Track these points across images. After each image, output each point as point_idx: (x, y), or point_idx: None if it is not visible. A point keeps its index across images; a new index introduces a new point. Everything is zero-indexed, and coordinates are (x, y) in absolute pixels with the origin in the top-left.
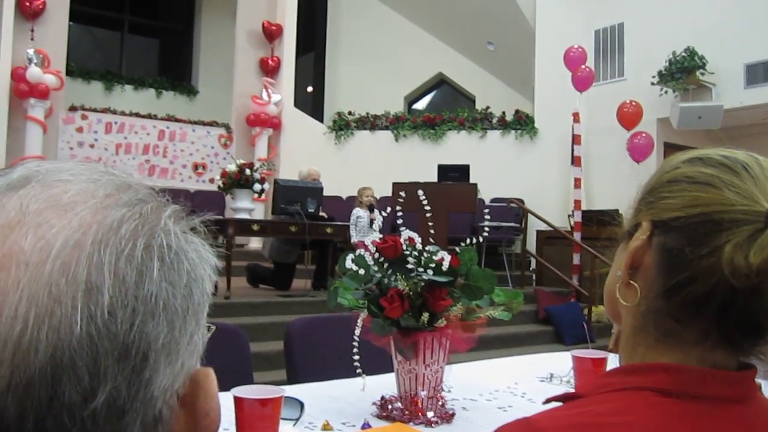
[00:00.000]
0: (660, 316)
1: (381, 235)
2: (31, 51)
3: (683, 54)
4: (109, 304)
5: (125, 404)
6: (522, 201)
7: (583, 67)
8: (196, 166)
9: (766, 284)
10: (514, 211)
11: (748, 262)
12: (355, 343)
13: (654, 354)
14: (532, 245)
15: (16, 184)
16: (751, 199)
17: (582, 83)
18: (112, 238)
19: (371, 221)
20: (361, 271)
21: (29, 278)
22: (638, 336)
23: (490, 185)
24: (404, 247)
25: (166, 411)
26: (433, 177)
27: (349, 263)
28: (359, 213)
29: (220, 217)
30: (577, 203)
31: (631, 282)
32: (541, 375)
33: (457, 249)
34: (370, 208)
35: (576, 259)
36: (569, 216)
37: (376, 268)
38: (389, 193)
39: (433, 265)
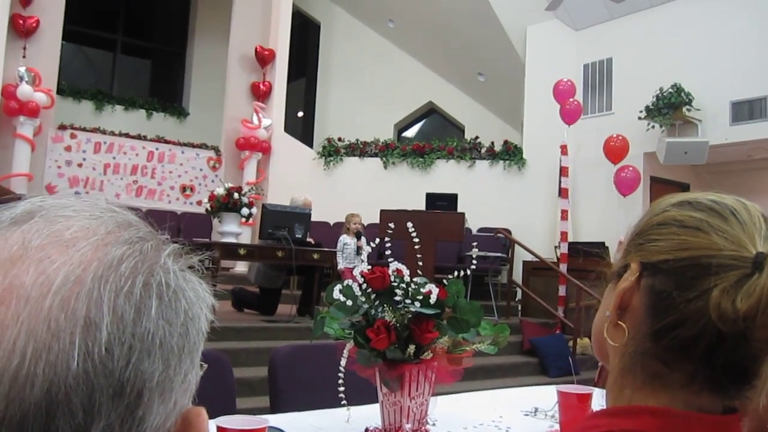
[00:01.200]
0: (647, 358)
1: (369, 266)
2: (22, 69)
3: (670, 90)
4: (106, 341)
5: None
6: (509, 231)
7: (571, 100)
8: (184, 188)
9: (753, 330)
10: (501, 241)
11: (735, 308)
12: (340, 374)
13: (640, 396)
14: (518, 276)
15: (20, 219)
16: (738, 244)
17: (570, 116)
18: (112, 275)
19: (358, 248)
20: (349, 302)
21: (29, 313)
22: (626, 378)
23: (477, 215)
24: (392, 279)
25: None
26: (421, 205)
27: (336, 293)
28: (346, 240)
29: (207, 240)
30: (564, 235)
31: (619, 323)
32: (526, 409)
33: (445, 281)
34: (357, 235)
35: (562, 291)
36: (556, 247)
37: (363, 299)
38: (377, 220)
39: (420, 297)
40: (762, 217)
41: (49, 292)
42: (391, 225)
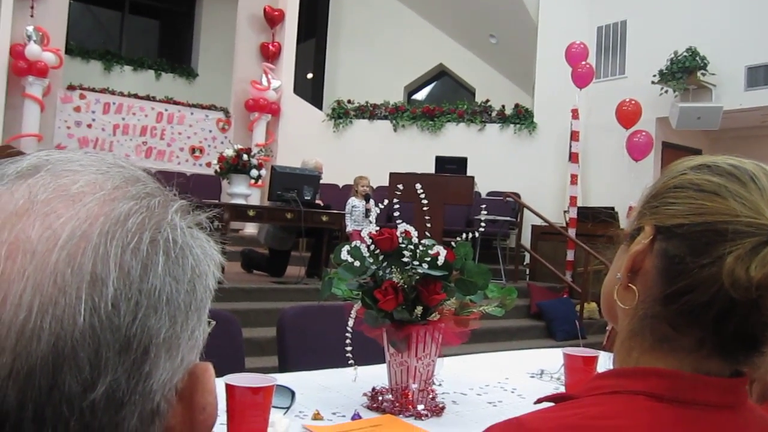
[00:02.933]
0: (657, 321)
1: (377, 227)
2: (30, 28)
3: (685, 54)
4: (113, 297)
5: (124, 396)
6: (518, 195)
7: (583, 63)
8: (193, 150)
9: (766, 298)
10: (510, 205)
11: (749, 276)
12: (348, 335)
13: (648, 359)
14: (526, 240)
15: (26, 173)
16: (756, 211)
17: (582, 79)
18: (118, 230)
19: (366, 211)
20: (357, 263)
21: (35, 267)
22: (634, 340)
23: (487, 178)
24: (400, 240)
25: (164, 405)
26: (430, 168)
27: (344, 254)
28: (354, 202)
29: (216, 201)
30: (573, 199)
31: (630, 285)
32: (532, 371)
33: (453, 243)
34: (366, 198)
35: (570, 255)
36: (565, 212)
37: (371, 260)
38: (386, 183)
39: (428, 258)
40: None
41: (55, 246)
42: (400, 186)
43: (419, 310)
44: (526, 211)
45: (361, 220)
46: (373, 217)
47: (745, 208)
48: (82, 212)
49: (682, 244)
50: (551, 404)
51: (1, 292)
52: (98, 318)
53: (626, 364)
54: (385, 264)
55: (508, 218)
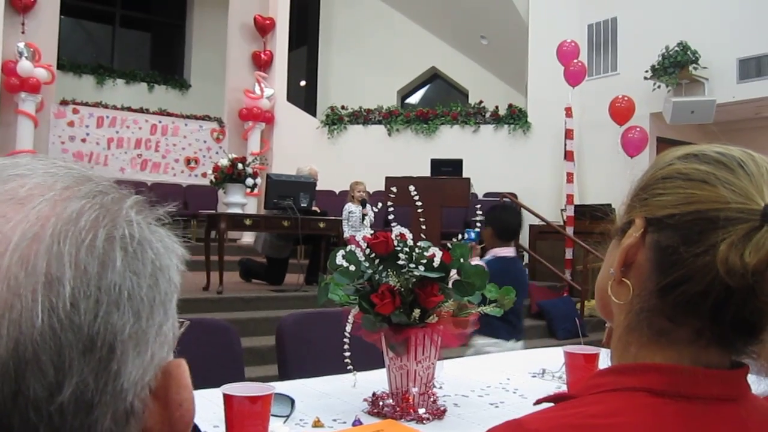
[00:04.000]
0: (653, 314)
1: (372, 231)
2: (21, 44)
3: (676, 48)
4: (71, 295)
5: (93, 397)
6: (515, 195)
7: (575, 61)
8: (188, 161)
9: (761, 284)
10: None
11: (744, 262)
12: (346, 340)
13: (646, 353)
14: (525, 240)
15: None
16: (746, 197)
17: (575, 78)
18: (71, 229)
19: (363, 216)
20: (352, 268)
21: None
22: (631, 335)
23: (483, 180)
24: (395, 243)
25: (138, 404)
26: (426, 171)
27: (339, 259)
28: (351, 208)
29: (213, 211)
30: (570, 198)
31: (624, 280)
32: (533, 370)
33: (449, 245)
34: (362, 203)
35: (569, 254)
36: (562, 210)
37: (367, 264)
38: (382, 188)
39: (424, 261)
40: None
41: (6, 250)
42: (394, 189)
43: (417, 312)
44: (523, 210)
45: (358, 225)
46: (368, 221)
47: (735, 195)
48: (32, 214)
49: (675, 235)
50: (551, 404)
51: None
52: (57, 318)
53: (624, 359)
54: (381, 267)
55: None
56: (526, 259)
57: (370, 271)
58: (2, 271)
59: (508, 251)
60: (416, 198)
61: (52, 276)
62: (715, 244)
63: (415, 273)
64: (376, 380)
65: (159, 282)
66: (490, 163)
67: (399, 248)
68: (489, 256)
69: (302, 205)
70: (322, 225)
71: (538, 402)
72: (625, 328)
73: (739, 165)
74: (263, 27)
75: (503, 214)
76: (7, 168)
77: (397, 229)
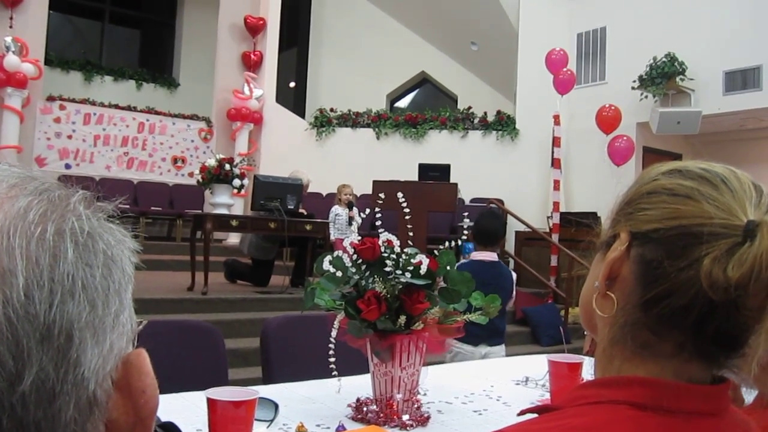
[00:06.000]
0: (637, 328)
1: (359, 237)
2: (9, 39)
3: (664, 59)
4: (24, 286)
5: (55, 386)
6: (502, 201)
7: (564, 69)
8: (175, 160)
9: (744, 298)
10: (493, 211)
11: (727, 276)
12: (331, 345)
13: (630, 366)
14: (510, 246)
15: None
16: (729, 212)
17: (563, 86)
18: (20, 223)
19: (350, 219)
20: (339, 273)
21: None
22: (614, 348)
23: (470, 185)
24: (382, 250)
25: (101, 394)
26: (413, 176)
27: (326, 265)
28: (338, 211)
29: (199, 211)
30: (556, 205)
31: (608, 293)
32: (517, 378)
33: (436, 252)
34: (349, 206)
35: (554, 261)
36: (548, 218)
37: (353, 270)
38: (369, 191)
39: (411, 267)
40: (752, 184)
41: None
42: (382, 195)
43: (403, 319)
44: (509, 217)
45: (344, 228)
46: (355, 226)
47: (718, 210)
48: None
49: (659, 249)
50: (535, 415)
51: None
52: (12, 309)
53: (608, 372)
54: (367, 274)
55: None
56: (511, 265)
57: (356, 277)
58: None
59: (488, 255)
60: (404, 204)
61: (4, 269)
62: (699, 258)
63: (402, 280)
64: (361, 386)
65: (112, 272)
66: (477, 168)
67: (386, 254)
68: (467, 259)
69: (289, 207)
70: (308, 227)
71: (522, 413)
72: (609, 341)
73: (723, 181)
74: (253, 27)
75: (483, 219)
76: None
77: (384, 236)
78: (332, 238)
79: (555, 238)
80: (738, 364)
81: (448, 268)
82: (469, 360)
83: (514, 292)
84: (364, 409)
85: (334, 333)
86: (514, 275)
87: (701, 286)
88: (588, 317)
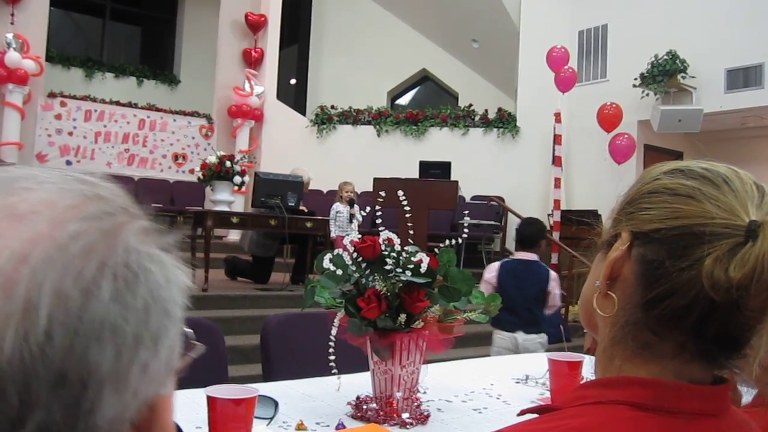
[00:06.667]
0: (638, 328)
1: (360, 235)
2: (10, 35)
3: (665, 57)
4: (46, 325)
5: None
6: (502, 199)
7: (566, 67)
8: (176, 157)
9: (746, 299)
10: (494, 209)
11: (728, 276)
12: (331, 344)
13: (630, 366)
14: (511, 244)
15: None
16: (731, 212)
17: (564, 83)
18: (59, 255)
19: (350, 216)
20: (339, 271)
21: None
22: (615, 348)
23: (471, 183)
24: (383, 248)
25: None
26: (414, 173)
27: (326, 263)
28: (339, 208)
29: (199, 208)
30: (557, 203)
31: (609, 293)
32: (517, 376)
33: (436, 250)
34: (350, 203)
35: (554, 259)
36: (549, 215)
37: (354, 268)
38: (370, 188)
39: (411, 266)
40: (754, 184)
41: None
42: (382, 193)
43: (403, 317)
44: (510, 214)
45: (345, 225)
46: (356, 224)
47: (720, 210)
48: (26, 233)
49: (660, 249)
50: (535, 415)
51: None
52: (28, 348)
53: (609, 372)
54: (367, 272)
55: (493, 222)
56: None
57: (356, 275)
58: None
59: (526, 255)
60: (404, 202)
61: (30, 303)
62: (701, 258)
63: (402, 278)
64: (361, 384)
65: (150, 317)
66: (478, 166)
67: (386, 252)
68: (509, 257)
69: (290, 204)
70: (309, 224)
71: (522, 413)
72: (609, 341)
73: (725, 181)
74: (254, 24)
75: (521, 226)
76: (18, 179)
77: (384, 234)
78: (333, 235)
79: (556, 236)
80: (739, 364)
81: (449, 266)
82: (506, 345)
83: (557, 290)
84: (364, 407)
85: (334, 331)
86: (554, 274)
87: (703, 286)
88: (588, 316)
